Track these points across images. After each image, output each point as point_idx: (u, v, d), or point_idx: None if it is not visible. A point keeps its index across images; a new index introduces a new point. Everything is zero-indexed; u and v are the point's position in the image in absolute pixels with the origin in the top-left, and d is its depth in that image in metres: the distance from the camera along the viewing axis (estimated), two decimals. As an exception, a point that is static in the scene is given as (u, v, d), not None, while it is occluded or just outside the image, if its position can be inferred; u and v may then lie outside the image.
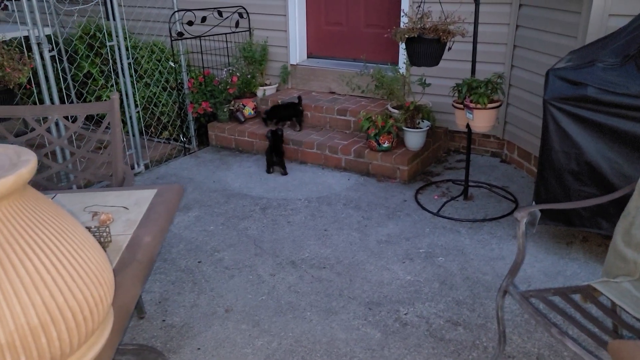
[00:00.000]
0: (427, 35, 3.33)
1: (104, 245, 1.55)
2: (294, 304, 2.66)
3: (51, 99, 3.68)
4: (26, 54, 3.46)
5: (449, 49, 3.45)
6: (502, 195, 3.76)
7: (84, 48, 4.42)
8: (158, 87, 4.83)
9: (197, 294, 2.77)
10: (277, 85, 5.18)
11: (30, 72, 3.48)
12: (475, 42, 3.39)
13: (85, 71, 4.65)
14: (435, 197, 3.78)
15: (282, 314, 2.59)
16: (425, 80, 4.04)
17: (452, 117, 4.34)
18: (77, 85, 4.28)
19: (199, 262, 3.06)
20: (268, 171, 4.27)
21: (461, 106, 3.42)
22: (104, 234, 1.56)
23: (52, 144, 2.41)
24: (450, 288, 2.76)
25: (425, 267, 2.95)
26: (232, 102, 4.81)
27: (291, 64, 5.14)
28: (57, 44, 3.93)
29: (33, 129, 2.33)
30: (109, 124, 2.35)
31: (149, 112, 4.79)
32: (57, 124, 3.78)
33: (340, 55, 5.13)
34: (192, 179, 4.21)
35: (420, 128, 4.07)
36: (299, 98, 4.60)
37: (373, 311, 2.59)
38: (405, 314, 2.57)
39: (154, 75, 4.81)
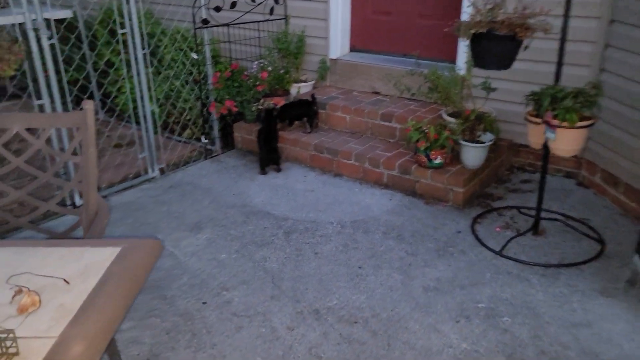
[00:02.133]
0: (499, 31, 2.65)
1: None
2: (314, 377, 2.07)
3: (50, 95, 3.19)
4: (20, 41, 2.98)
5: (526, 47, 2.74)
6: (581, 232, 3.03)
7: (90, 36, 3.91)
8: (179, 80, 4.29)
9: (194, 350, 2.21)
10: (313, 82, 4.55)
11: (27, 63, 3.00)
12: (563, 40, 2.66)
13: (99, 61, 4.15)
14: (497, 229, 3.09)
15: (298, 391, 2.01)
16: (490, 83, 3.34)
17: (517, 128, 3.63)
18: (80, 79, 3.76)
19: (203, 303, 2.50)
20: (262, 172, 3.81)
21: (538, 120, 2.72)
22: (4, 345, 0.99)
23: (10, 163, 1.87)
24: (520, 367, 2.10)
25: (485, 330, 2.30)
26: (262, 101, 4.22)
27: (331, 58, 4.50)
28: (61, 29, 3.42)
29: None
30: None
31: (166, 109, 4.26)
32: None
33: (387, 50, 4.45)
34: (210, 189, 3.66)
35: (482, 142, 3.37)
36: (313, 96, 4.04)
37: (417, 397, 1.97)
38: (460, 405, 1.93)
39: (175, 67, 4.27)
